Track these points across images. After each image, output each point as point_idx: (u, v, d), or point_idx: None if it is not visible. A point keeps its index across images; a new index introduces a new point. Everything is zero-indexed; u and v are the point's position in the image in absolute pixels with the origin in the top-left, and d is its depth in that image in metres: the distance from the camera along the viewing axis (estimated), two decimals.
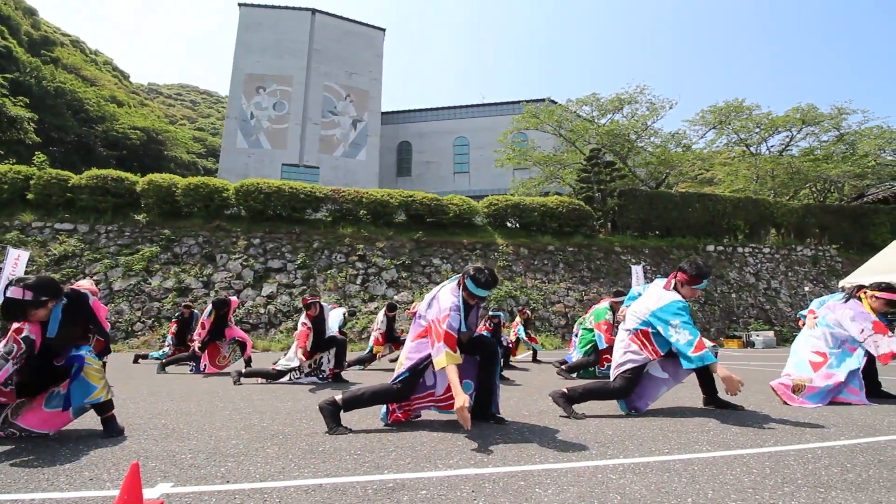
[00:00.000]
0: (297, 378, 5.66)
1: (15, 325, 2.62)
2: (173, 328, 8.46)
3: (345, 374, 6.10)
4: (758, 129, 26.34)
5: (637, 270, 13.13)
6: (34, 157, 17.41)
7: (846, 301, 4.12)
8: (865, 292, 4.10)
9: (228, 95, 35.58)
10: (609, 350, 5.84)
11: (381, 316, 7.75)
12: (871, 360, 4.09)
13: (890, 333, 3.84)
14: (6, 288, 2.59)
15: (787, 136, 26.64)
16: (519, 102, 33.18)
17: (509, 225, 18.44)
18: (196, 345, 6.76)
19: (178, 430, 3.01)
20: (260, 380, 5.63)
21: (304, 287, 14.42)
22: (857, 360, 3.97)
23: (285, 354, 5.89)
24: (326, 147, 34.71)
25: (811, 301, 4.56)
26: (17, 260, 11.44)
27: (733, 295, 17.59)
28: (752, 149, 27.46)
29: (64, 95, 33.77)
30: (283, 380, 5.61)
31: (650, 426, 3.07)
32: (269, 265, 14.92)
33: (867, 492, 1.83)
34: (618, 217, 19.42)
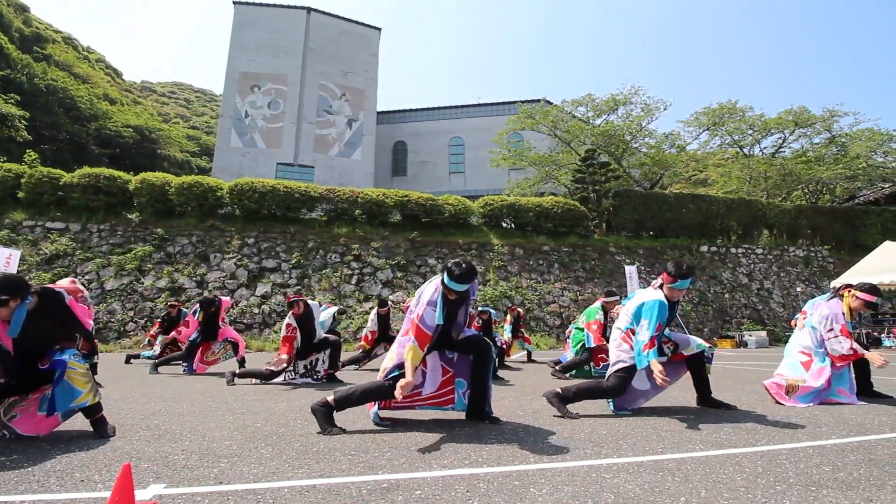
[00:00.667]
0: (291, 378, 5.64)
1: None
2: (154, 329, 8.40)
3: (340, 375, 6.08)
4: (751, 131, 26.57)
5: (631, 271, 13.17)
6: (25, 155, 17.27)
7: (829, 300, 4.19)
8: (850, 291, 4.16)
9: (223, 94, 35.40)
10: (604, 349, 5.88)
11: (372, 315, 7.61)
12: (864, 359, 4.14)
13: (852, 342, 3.93)
14: None
15: (780, 138, 26.89)
16: (514, 103, 33.24)
17: (504, 225, 18.47)
18: (184, 342, 6.74)
19: (171, 430, 2.98)
20: (254, 380, 5.60)
21: (299, 287, 14.37)
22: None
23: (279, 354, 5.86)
24: (321, 146, 34.60)
25: (804, 302, 4.61)
26: (9, 259, 11.29)
27: (726, 295, 17.71)
28: (745, 150, 27.67)
29: (56, 93, 33.46)
30: (277, 380, 5.58)
31: (644, 426, 3.09)
32: (263, 265, 14.85)
33: (858, 490, 1.85)
34: (612, 217, 19.50)
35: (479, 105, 40.31)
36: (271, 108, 34.28)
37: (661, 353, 3.60)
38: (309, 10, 36.30)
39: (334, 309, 8.89)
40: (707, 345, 3.66)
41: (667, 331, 3.64)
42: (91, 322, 4.01)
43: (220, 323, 7.04)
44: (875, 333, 14.45)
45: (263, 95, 34.37)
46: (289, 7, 36.22)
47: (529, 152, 26.46)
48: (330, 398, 2.99)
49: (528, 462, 2.25)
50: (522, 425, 3.11)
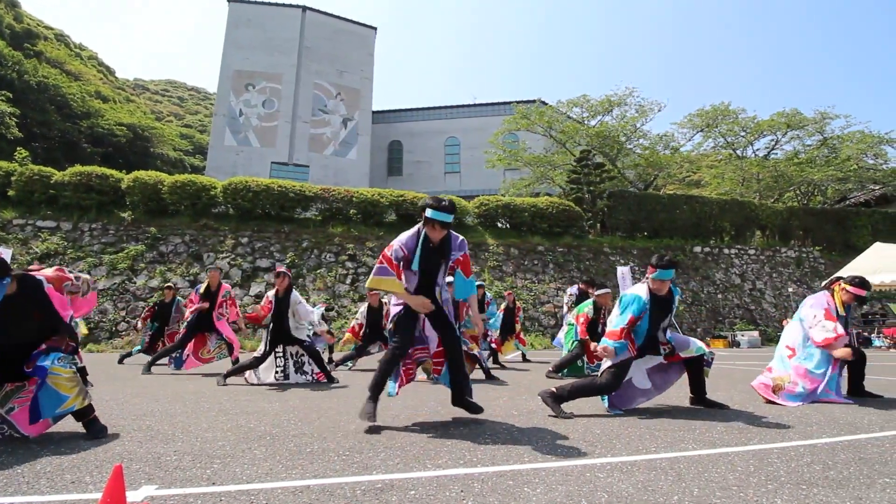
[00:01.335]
0: (280, 379, 5.59)
1: None
2: (145, 313, 8.39)
3: (335, 374, 6.04)
4: (744, 133, 26.77)
5: (623, 271, 13.20)
6: (16, 153, 17.04)
7: (817, 293, 4.26)
8: (839, 284, 4.20)
9: (217, 92, 35.15)
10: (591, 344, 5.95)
11: (363, 308, 7.55)
12: (859, 358, 4.17)
13: (838, 325, 3.91)
14: None
15: (773, 140, 27.10)
16: (510, 103, 33.27)
17: (500, 225, 18.51)
18: (190, 312, 6.74)
19: (163, 431, 2.96)
20: (246, 375, 5.56)
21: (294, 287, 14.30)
22: (825, 359, 3.99)
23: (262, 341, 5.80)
24: (316, 146, 34.46)
25: (796, 302, 4.66)
26: None
27: (719, 295, 17.85)
28: (738, 152, 27.87)
29: (47, 90, 33.07)
30: (269, 380, 5.55)
31: (637, 425, 3.10)
32: (257, 264, 14.77)
33: (848, 489, 1.87)
34: (607, 218, 19.58)
35: (474, 105, 40.32)
36: (266, 106, 34.08)
37: (656, 352, 3.62)
38: (304, 8, 36.13)
39: (321, 309, 8.87)
40: (707, 349, 3.63)
41: (668, 333, 3.65)
42: (90, 310, 3.94)
43: (220, 314, 6.99)
44: (865, 333, 14.62)
45: (258, 94, 34.17)
46: (284, 5, 36.02)
47: (525, 153, 26.50)
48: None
49: (523, 462, 2.25)
50: (516, 425, 3.12)
